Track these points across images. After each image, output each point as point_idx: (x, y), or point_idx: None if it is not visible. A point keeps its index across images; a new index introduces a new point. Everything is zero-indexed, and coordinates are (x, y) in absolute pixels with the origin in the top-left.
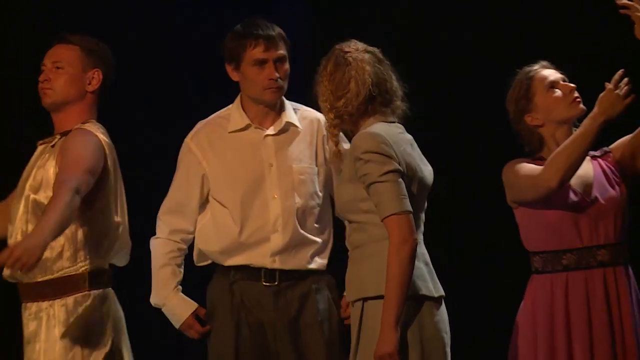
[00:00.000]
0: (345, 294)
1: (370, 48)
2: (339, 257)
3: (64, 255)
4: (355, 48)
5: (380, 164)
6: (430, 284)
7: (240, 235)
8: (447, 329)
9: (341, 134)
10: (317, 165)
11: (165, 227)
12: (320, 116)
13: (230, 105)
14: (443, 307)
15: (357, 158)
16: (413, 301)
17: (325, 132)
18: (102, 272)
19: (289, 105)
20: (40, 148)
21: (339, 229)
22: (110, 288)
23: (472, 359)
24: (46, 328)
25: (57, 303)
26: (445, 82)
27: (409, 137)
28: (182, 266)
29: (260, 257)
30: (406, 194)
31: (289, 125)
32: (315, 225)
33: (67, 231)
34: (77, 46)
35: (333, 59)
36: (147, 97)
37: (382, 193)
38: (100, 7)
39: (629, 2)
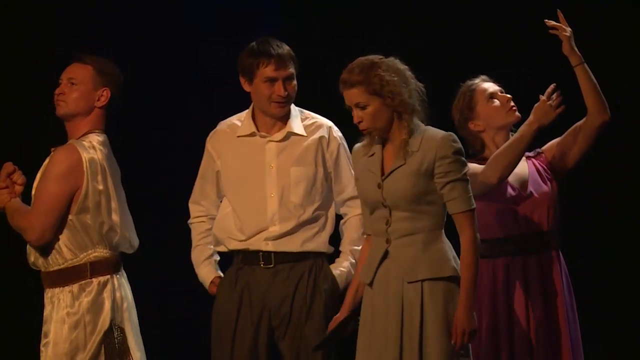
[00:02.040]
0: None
1: (394, 58)
2: None
3: (69, 249)
4: (382, 59)
5: (463, 165)
6: None
7: (241, 227)
8: None
9: (344, 140)
10: (318, 167)
11: (192, 214)
12: (329, 124)
13: (246, 111)
14: None
15: (443, 156)
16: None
17: (333, 137)
18: (103, 262)
19: (296, 113)
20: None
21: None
22: (115, 274)
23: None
24: (56, 310)
25: (66, 289)
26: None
27: None
28: (212, 242)
29: (257, 242)
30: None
31: (292, 134)
32: (312, 217)
33: (68, 230)
34: (90, 66)
35: (377, 64)
36: (159, 103)
37: (463, 189)
38: (115, 24)
39: (557, 24)
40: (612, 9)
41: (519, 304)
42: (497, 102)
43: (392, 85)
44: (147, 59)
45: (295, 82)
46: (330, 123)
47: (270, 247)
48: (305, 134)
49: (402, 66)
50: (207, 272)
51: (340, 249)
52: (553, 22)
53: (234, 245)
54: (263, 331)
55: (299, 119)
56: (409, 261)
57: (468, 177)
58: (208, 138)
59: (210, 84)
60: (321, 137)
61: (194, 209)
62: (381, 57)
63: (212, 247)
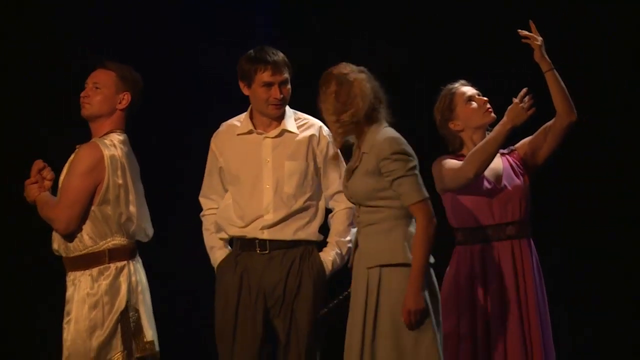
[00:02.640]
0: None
1: (362, 68)
2: None
3: (90, 237)
4: (351, 69)
5: (406, 162)
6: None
7: (241, 215)
8: None
9: (329, 139)
10: (309, 162)
11: (204, 206)
12: (318, 123)
13: (244, 113)
14: None
15: (384, 158)
16: (429, 267)
17: (322, 136)
18: (121, 249)
19: (290, 114)
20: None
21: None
22: (131, 260)
23: None
24: (77, 292)
25: (86, 273)
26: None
27: None
28: (219, 230)
29: (253, 230)
30: (423, 185)
31: (286, 131)
32: (303, 206)
33: (90, 220)
34: (113, 72)
35: (334, 81)
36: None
37: (409, 184)
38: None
39: (529, 34)
40: (611, 10)
41: (494, 286)
42: (474, 104)
43: (343, 98)
44: (150, 60)
45: (289, 86)
46: (320, 123)
47: (265, 235)
48: (297, 132)
49: (360, 76)
50: (221, 254)
51: (328, 239)
52: (525, 32)
53: (234, 232)
54: (260, 310)
55: (293, 119)
56: (369, 249)
57: (415, 172)
58: (212, 138)
59: (212, 87)
60: (312, 135)
61: (205, 202)
62: (345, 70)
63: (219, 234)
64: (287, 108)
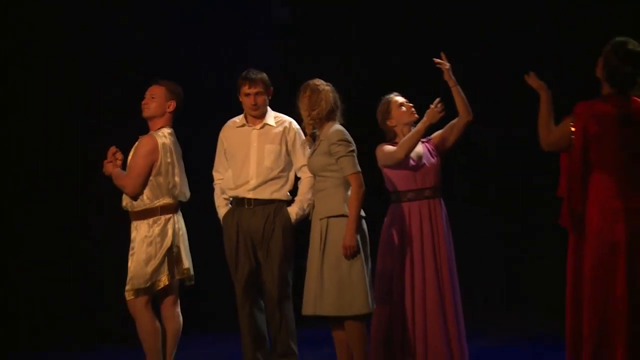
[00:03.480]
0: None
1: (328, 83)
2: None
3: (148, 197)
4: (320, 82)
5: (346, 146)
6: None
7: (234, 182)
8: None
9: (300, 130)
10: (282, 145)
11: (215, 178)
12: (290, 119)
13: (243, 113)
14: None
15: (335, 142)
16: (361, 218)
17: (292, 128)
18: (169, 206)
19: (270, 113)
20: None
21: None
22: (175, 213)
23: None
24: (138, 234)
25: (144, 222)
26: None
27: None
28: (223, 193)
29: (243, 192)
30: (357, 162)
31: (266, 124)
32: (277, 176)
33: (148, 186)
34: (164, 87)
35: (309, 89)
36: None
37: (347, 161)
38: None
39: (440, 61)
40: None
41: (417, 232)
42: (404, 108)
43: (313, 102)
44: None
45: (263, 96)
46: (291, 119)
47: (250, 195)
48: (275, 125)
49: (326, 88)
50: (223, 211)
51: (295, 199)
52: (438, 60)
53: (231, 193)
54: (249, 246)
55: (272, 117)
56: (320, 206)
57: (352, 154)
58: (222, 129)
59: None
60: (285, 127)
61: (216, 175)
62: (317, 82)
63: (225, 197)
64: (269, 109)
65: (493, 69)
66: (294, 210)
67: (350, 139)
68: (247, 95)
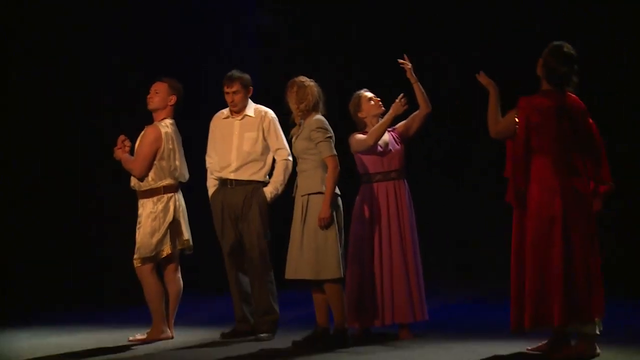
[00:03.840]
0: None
1: (312, 80)
2: None
3: (152, 179)
4: (305, 79)
5: (325, 133)
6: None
7: (219, 165)
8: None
9: (275, 118)
10: (259, 132)
11: (207, 161)
12: (267, 109)
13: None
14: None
15: (314, 129)
16: (336, 196)
17: (267, 116)
18: (170, 186)
19: (251, 105)
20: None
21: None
22: (176, 192)
23: None
24: (144, 210)
25: (150, 200)
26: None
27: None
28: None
29: (226, 174)
30: (334, 147)
31: (247, 115)
32: (255, 159)
33: (153, 169)
34: (166, 83)
35: (296, 85)
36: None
37: (325, 146)
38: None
39: (403, 61)
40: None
41: (384, 209)
42: (373, 102)
43: (300, 96)
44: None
45: (240, 94)
46: (268, 110)
47: (232, 176)
48: (254, 116)
49: (311, 83)
50: (212, 191)
51: (270, 180)
52: (402, 60)
53: (217, 174)
54: (233, 219)
55: (252, 108)
56: (302, 185)
57: (329, 140)
58: (212, 119)
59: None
60: (262, 117)
61: (207, 159)
62: (303, 79)
63: (216, 178)
64: (250, 102)
65: (492, 70)
66: (268, 190)
67: (328, 127)
68: (227, 93)
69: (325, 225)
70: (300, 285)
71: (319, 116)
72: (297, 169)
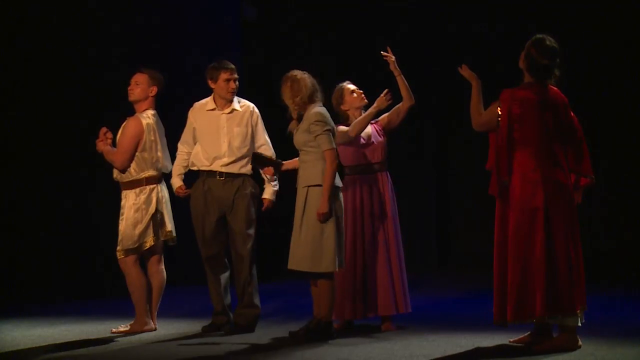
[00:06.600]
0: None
1: (305, 72)
2: None
3: (135, 170)
4: (297, 72)
5: (323, 126)
6: (339, 180)
7: (207, 157)
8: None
9: (259, 114)
10: (248, 127)
11: (179, 148)
12: (252, 104)
13: (210, 97)
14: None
15: (313, 122)
16: (336, 189)
17: (254, 112)
18: (153, 177)
19: (236, 100)
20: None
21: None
22: (159, 183)
23: None
24: (127, 202)
25: (132, 191)
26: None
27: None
28: (187, 167)
29: (216, 166)
30: (333, 140)
31: (234, 109)
32: (245, 154)
33: (135, 161)
34: (146, 74)
35: (289, 80)
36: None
37: (323, 139)
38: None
39: (386, 54)
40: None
41: (367, 200)
42: (355, 95)
43: (294, 90)
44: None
45: (238, 82)
46: (252, 104)
47: (223, 169)
48: (241, 110)
49: (304, 76)
50: (177, 181)
51: (264, 185)
52: (385, 53)
53: (202, 167)
54: (216, 213)
55: (238, 103)
56: (302, 177)
57: (328, 132)
58: (189, 111)
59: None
60: (250, 112)
61: (180, 147)
62: (295, 73)
63: (184, 167)
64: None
65: (493, 69)
66: (269, 193)
67: (327, 119)
68: (228, 80)
69: (325, 218)
70: (277, 278)
71: (318, 108)
72: (299, 160)
